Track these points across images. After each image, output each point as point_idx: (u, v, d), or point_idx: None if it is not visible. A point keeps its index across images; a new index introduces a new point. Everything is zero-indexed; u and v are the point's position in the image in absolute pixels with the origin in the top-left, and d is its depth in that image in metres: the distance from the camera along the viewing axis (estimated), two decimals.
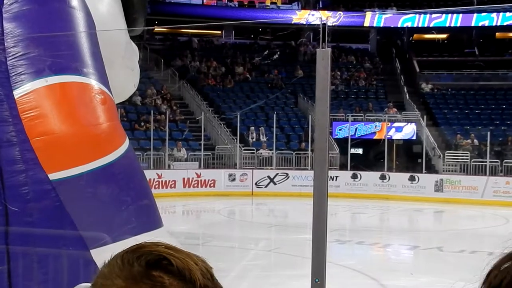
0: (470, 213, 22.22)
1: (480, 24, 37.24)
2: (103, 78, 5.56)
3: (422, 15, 37.07)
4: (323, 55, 3.61)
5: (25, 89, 5.08)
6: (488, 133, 26.62)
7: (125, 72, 6.54)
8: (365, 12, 38.62)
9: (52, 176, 4.85)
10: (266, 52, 36.67)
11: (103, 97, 5.41)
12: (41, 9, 5.66)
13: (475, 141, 28.73)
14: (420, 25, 37.84)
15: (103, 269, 0.99)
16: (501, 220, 20.53)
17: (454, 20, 37.14)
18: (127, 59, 6.54)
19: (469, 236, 17.36)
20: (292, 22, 37.37)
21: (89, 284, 1.06)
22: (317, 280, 3.75)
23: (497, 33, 38.64)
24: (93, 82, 5.43)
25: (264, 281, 11.38)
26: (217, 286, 0.98)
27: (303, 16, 37.44)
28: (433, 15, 37.05)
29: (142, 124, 28.10)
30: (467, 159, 27.19)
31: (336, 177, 25.05)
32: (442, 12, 36.82)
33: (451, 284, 11.17)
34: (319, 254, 3.75)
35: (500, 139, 28.94)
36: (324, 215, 3.67)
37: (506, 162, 26.24)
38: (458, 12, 36.87)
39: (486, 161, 26.03)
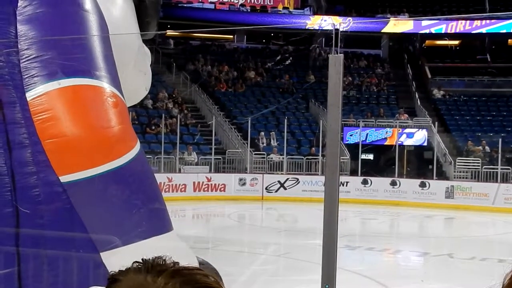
0: (481, 220, 22.12)
1: (492, 31, 37.10)
2: (115, 81, 5.58)
3: (434, 21, 36.98)
4: (336, 60, 3.60)
5: (38, 92, 5.11)
6: (500, 139, 26.51)
7: (137, 75, 6.55)
8: (377, 17, 38.56)
9: (63, 179, 4.86)
10: (278, 57, 36.70)
11: (115, 100, 5.42)
12: (54, 12, 5.69)
13: (487, 147, 28.62)
14: (433, 31, 37.76)
15: None
16: (503, 227, 20.46)
17: (466, 26, 37.04)
18: (140, 63, 6.56)
19: (480, 243, 17.28)
20: (306, 28, 37.38)
21: (99, 287, 1.05)
22: (327, 286, 3.74)
23: (509, 40, 38.49)
24: (105, 85, 5.44)
25: (273, 286, 11.37)
26: None
27: (316, 22, 37.43)
28: (445, 21, 36.95)
29: (153, 127, 28.16)
30: (478, 165, 27.09)
31: (347, 182, 25.00)
32: (455, 19, 36.72)
33: None
34: (330, 260, 3.74)
35: None
36: (335, 221, 3.66)
37: None
38: (471, 19, 36.76)
39: (497, 168, 25.92)
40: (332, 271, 3.74)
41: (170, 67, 34.14)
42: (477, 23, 36.82)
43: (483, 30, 37.09)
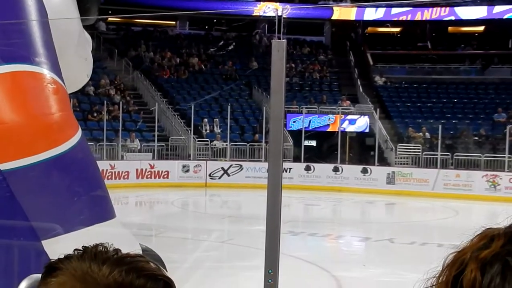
0: (421, 205, 22.56)
1: (432, 18, 37.71)
2: (55, 68, 5.48)
3: (375, 8, 37.40)
4: (279, 46, 3.61)
5: None
6: (440, 126, 26.99)
7: (78, 61, 6.45)
8: (320, 4, 38.77)
9: (3, 166, 4.77)
10: (221, 43, 36.59)
11: (55, 87, 5.33)
12: None
13: (427, 134, 29.15)
14: (374, 18, 38.18)
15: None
16: (450, 212, 20.90)
17: (407, 13, 37.56)
18: (80, 49, 6.45)
19: (420, 228, 17.62)
20: (249, 14, 37.35)
21: (40, 275, 1.03)
22: (270, 271, 3.77)
23: (449, 27, 39.19)
24: (45, 72, 5.35)
25: (217, 272, 11.39)
26: None
27: (261, 9, 37.44)
28: (386, 8, 37.39)
29: (95, 114, 27.80)
30: (419, 152, 27.58)
31: (290, 169, 25.17)
32: (396, 6, 37.20)
33: (402, 275, 11.35)
34: (273, 245, 3.77)
35: (451, 132, 29.40)
36: (278, 207, 3.69)
37: (456, 155, 26.68)
38: (411, 6, 37.28)
39: (437, 154, 26.43)
40: (275, 256, 3.77)
41: (112, 53, 33.69)
42: (419, 13, 37.36)
43: (424, 18, 37.67)
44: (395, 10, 37.51)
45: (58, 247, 4.62)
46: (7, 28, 5.42)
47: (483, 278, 0.82)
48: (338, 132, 28.21)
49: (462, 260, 0.86)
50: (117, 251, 1.01)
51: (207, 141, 28.22)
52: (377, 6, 36.44)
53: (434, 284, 0.87)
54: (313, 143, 30.18)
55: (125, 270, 0.96)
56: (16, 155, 4.85)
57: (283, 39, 3.93)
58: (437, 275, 0.88)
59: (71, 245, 1.11)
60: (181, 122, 29.07)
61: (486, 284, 0.81)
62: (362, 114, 30.51)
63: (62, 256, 1.01)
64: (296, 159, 27.15)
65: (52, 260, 1.01)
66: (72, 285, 0.95)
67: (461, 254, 0.87)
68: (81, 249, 1.01)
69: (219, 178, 26.11)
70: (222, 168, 26.26)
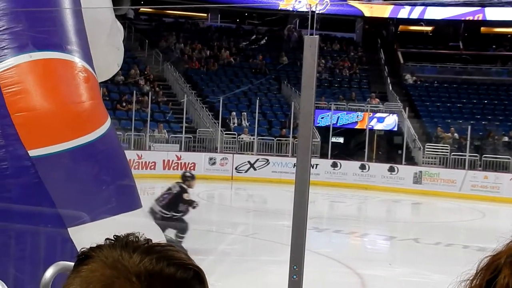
0: (447, 206, 22.38)
1: (466, 18, 37.33)
2: (87, 56, 5.51)
3: (409, 7, 37.11)
4: (311, 42, 3.59)
5: (8, 64, 5.02)
6: (469, 127, 26.74)
7: (109, 51, 6.48)
8: (353, 0, 38.57)
9: (32, 153, 4.80)
10: (253, 37, 36.57)
11: (86, 75, 5.36)
12: None
13: (456, 134, 28.88)
14: (407, 17, 37.90)
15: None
16: (477, 214, 20.70)
17: (440, 12, 37.22)
18: (112, 38, 6.48)
19: (446, 229, 17.48)
20: (279, 8, 37.26)
21: (66, 263, 1.03)
22: (295, 267, 3.75)
23: (482, 28, 38.77)
24: (77, 60, 5.37)
25: (241, 266, 11.41)
26: None
27: (290, 2, 37.33)
28: (420, 7, 37.09)
29: (124, 104, 27.96)
30: (447, 152, 27.35)
31: (317, 165, 25.10)
32: (430, 5, 36.87)
33: (426, 275, 11.27)
34: (298, 241, 3.75)
35: (480, 133, 29.12)
36: (305, 203, 3.67)
37: (485, 157, 26.42)
38: (445, 5, 36.94)
39: (465, 155, 26.20)
40: (301, 252, 3.75)
41: (143, 43, 33.85)
42: (452, 9, 37.00)
43: (457, 17, 37.31)
44: (430, 9, 37.14)
45: (83, 235, 4.64)
46: (41, 16, 5.45)
47: None
48: (366, 129, 28.07)
49: (496, 265, 0.84)
50: (148, 240, 1.01)
51: (235, 134, 28.25)
52: (413, 5, 36.16)
53: (467, 287, 0.85)
54: (341, 140, 30.08)
55: (155, 258, 0.96)
56: (45, 142, 4.89)
57: (315, 35, 3.90)
58: (471, 278, 0.86)
59: (96, 233, 1.11)
60: (209, 115, 29.13)
61: None
62: (391, 112, 30.31)
63: (94, 245, 1.02)
64: (323, 155, 27.05)
65: (84, 249, 1.02)
66: (102, 273, 0.95)
67: (495, 259, 0.85)
68: (113, 238, 1.02)
69: (245, 171, 26.12)
70: (249, 162, 26.28)
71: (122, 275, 0.94)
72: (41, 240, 4.87)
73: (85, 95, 5.30)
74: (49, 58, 5.25)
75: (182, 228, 11.94)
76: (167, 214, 11.80)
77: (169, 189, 12.29)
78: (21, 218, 4.83)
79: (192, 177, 12.80)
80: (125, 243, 0.99)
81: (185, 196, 12.00)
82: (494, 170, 25.52)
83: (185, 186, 12.13)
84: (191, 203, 12.11)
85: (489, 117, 31.20)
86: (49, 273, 3.40)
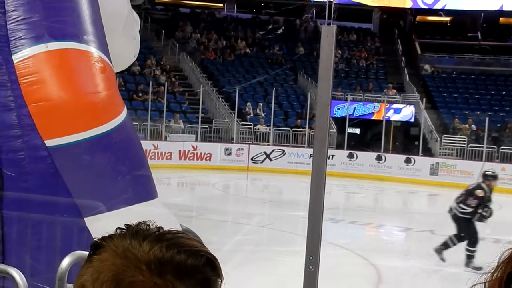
0: None
1: (484, 8, 36.98)
2: (103, 46, 5.51)
3: None
4: (328, 32, 3.56)
5: (25, 54, 5.03)
6: (487, 118, 26.58)
7: (125, 41, 6.48)
8: None
9: (49, 143, 4.82)
10: (270, 27, 36.48)
11: (102, 66, 5.36)
12: None
13: (473, 126, 28.71)
14: (424, 7, 37.62)
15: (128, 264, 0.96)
16: (494, 206, 20.53)
17: (459, 3, 36.91)
18: (128, 28, 6.48)
19: None
20: None
21: (82, 252, 1.03)
22: (311, 257, 3.74)
23: (501, 18, 38.43)
24: (93, 50, 5.38)
25: (257, 256, 11.42)
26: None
27: None
28: None
29: (140, 94, 28.02)
30: (464, 143, 27.20)
31: (333, 156, 25.03)
32: None
33: (442, 266, 11.23)
34: (315, 232, 3.74)
35: (498, 125, 28.92)
36: (322, 194, 3.66)
37: (502, 149, 26.24)
38: None
39: (482, 147, 26.04)
40: (317, 243, 3.74)
41: (159, 34, 33.87)
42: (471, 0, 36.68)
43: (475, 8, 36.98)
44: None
45: (100, 224, 4.66)
46: (57, 5, 5.46)
47: None
48: (382, 120, 27.96)
49: None
50: (159, 228, 1.01)
51: (251, 125, 28.24)
52: None
53: (488, 280, 0.84)
54: (357, 131, 29.99)
55: (165, 246, 0.96)
56: (61, 132, 4.90)
57: (332, 25, 3.88)
58: (492, 271, 0.84)
59: (112, 223, 1.11)
60: (225, 105, 29.13)
61: None
62: (408, 103, 30.17)
63: (106, 235, 1.02)
64: (339, 146, 26.99)
65: (96, 239, 1.01)
66: (113, 262, 0.95)
67: None
68: (124, 227, 1.01)
69: (261, 162, 26.12)
70: (265, 153, 26.28)
71: (132, 264, 0.94)
72: (58, 229, 4.89)
73: (102, 85, 5.31)
74: (66, 48, 5.26)
75: (471, 240, 11.37)
76: (461, 209, 11.51)
77: (469, 186, 12.06)
78: (37, 208, 4.85)
79: (494, 177, 12.08)
80: (135, 232, 0.99)
81: (478, 192, 11.58)
82: (511, 162, 25.34)
83: (483, 185, 11.76)
84: (483, 203, 11.55)
85: (507, 108, 30.95)
86: (66, 262, 3.42)
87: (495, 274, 0.84)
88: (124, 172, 5.19)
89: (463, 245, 13.55)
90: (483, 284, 0.85)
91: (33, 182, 4.82)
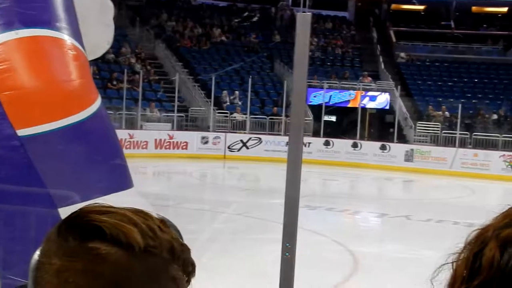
0: (438, 183, 22.48)
1: None
2: (76, 34, 5.43)
3: None
4: (304, 20, 3.54)
5: None
6: (460, 105, 26.89)
7: (99, 28, 6.40)
8: None
9: (21, 132, 4.75)
10: (246, 14, 36.39)
11: (75, 53, 5.29)
12: None
13: (447, 113, 28.99)
14: None
15: (43, 245, 0.93)
16: (467, 191, 20.84)
17: None
18: (102, 15, 6.40)
19: (436, 206, 17.56)
20: None
21: None
22: (287, 244, 3.74)
23: (473, 7, 38.72)
24: (66, 37, 5.30)
25: (234, 244, 11.43)
26: (163, 240, 0.90)
27: None
28: None
29: (115, 82, 27.81)
30: (438, 130, 27.45)
31: (309, 143, 25.12)
32: None
33: (417, 251, 11.32)
34: (291, 219, 3.74)
35: (471, 112, 29.25)
36: (298, 181, 3.65)
37: (475, 135, 26.55)
38: None
39: (456, 133, 26.30)
40: (294, 230, 3.73)
41: (134, 21, 33.61)
42: None
43: None
44: None
45: None
46: None
47: (501, 257, 0.80)
48: (358, 108, 28.09)
49: (483, 238, 0.84)
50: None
51: (227, 113, 28.20)
52: None
53: (455, 260, 0.86)
54: (333, 118, 30.10)
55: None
56: (34, 121, 4.83)
57: (307, 13, 3.85)
58: (459, 252, 0.86)
59: None
60: (201, 93, 29.04)
61: (504, 263, 0.80)
62: (383, 91, 30.33)
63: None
64: (316, 133, 27.07)
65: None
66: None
67: (483, 232, 0.86)
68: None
69: (238, 150, 26.12)
70: (241, 141, 26.27)
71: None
72: (32, 220, 4.83)
73: (75, 73, 5.24)
74: (38, 36, 5.18)
75: None
76: None
77: None
78: (10, 199, 4.79)
79: None
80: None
81: None
82: (483, 148, 25.67)
83: None
84: None
85: (480, 95, 31.33)
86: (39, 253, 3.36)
87: (462, 255, 0.85)
88: (99, 161, 5.14)
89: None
90: (450, 264, 0.87)
91: (5, 173, 4.75)
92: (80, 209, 0.94)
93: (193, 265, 0.94)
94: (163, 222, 0.95)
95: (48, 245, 0.92)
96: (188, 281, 0.94)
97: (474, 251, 0.84)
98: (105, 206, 0.93)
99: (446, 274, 0.86)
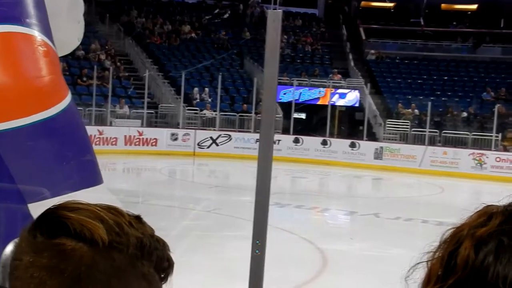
0: (407, 181, 22.67)
1: None
2: (46, 30, 5.39)
3: None
4: (274, 17, 3.57)
5: None
6: (429, 103, 27.05)
7: (69, 24, 6.35)
8: None
9: None
10: (216, 11, 36.31)
11: (46, 49, 5.25)
12: None
13: (416, 110, 29.20)
14: None
15: (17, 243, 0.94)
16: (436, 189, 21.02)
17: None
18: (72, 11, 6.36)
19: (405, 204, 17.72)
20: None
21: None
22: (257, 242, 3.76)
23: (442, 5, 39.05)
24: (36, 33, 5.26)
25: (204, 241, 11.43)
26: (131, 236, 0.90)
27: None
28: None
29: (85, 79, 27.61)
30: (407, 128, 27.64)
31: (279, 140, 25.16)
32: None
33: (386, 249, 11.43)
34: (261, 216, 3.76)
35: (440, 109, 29.48)
36: (268, 178, 3.67)
37: (444, 133, 26.78)
38: None
39: (425, 131, 26.50)
40: (263, 227, 3.76)
41: (104, 17, 33.38)
42: None
43: None
44: None
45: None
46: None
47: (476, 256, 0.81)
48: (328, 105, 28.20)
49: (458, 237, 0.85)
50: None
51: (197, 110, 28.15)
52: None
53: (430, 259, 0.87)
54: (303, 115, 30.20)
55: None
56: (4, 117, 4.80)
57: (278, 10, 3.88)
58: (434, 251, 0.87)
59: None
60: (171, 90, 28.95)
61: (478, 262, 0.80)
62: (352, 88, 30.48)
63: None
64: (285, 131, 27.13)
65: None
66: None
67: (458, 231, 0.86)
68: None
69: (208, 147, 26.09)
70: (211, 138, 26.24)
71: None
72: (1, 216, 4.80)
73: (45, 69, 5.20)
74: (7, 32, 5.14)
75: None
76: None
77: None
78: None
79: None
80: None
81: None
82: (453, 145, 25.89)
83: None
84: None
85: (449, 93, 31.58)
86: (9, 249, 3.36)
87: (437, 254, 0.87)
88: (69, 157, 5.11)
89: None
90: (425, 263, 0.88)
91: None
92: (52, 206, 0.95)
93: (169, 261, 0.94)
94: (138, 218, 0.95)
95: (20, 242, 0.94)
96: (165, 278, 0.94)
97: (449, 250, 0.84)
98: (76, 203, 0.94)
99: (420, 273, 0.86)
